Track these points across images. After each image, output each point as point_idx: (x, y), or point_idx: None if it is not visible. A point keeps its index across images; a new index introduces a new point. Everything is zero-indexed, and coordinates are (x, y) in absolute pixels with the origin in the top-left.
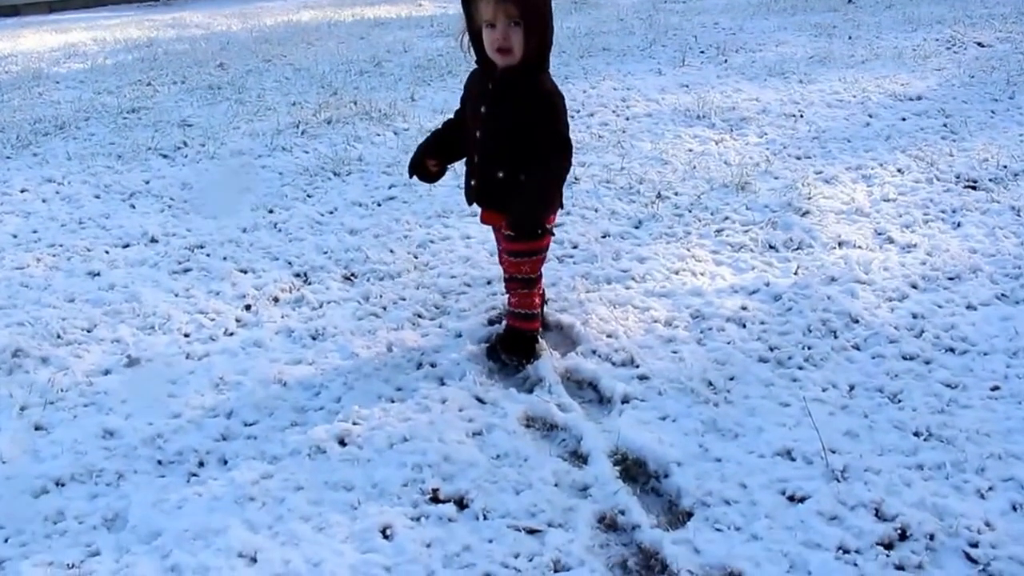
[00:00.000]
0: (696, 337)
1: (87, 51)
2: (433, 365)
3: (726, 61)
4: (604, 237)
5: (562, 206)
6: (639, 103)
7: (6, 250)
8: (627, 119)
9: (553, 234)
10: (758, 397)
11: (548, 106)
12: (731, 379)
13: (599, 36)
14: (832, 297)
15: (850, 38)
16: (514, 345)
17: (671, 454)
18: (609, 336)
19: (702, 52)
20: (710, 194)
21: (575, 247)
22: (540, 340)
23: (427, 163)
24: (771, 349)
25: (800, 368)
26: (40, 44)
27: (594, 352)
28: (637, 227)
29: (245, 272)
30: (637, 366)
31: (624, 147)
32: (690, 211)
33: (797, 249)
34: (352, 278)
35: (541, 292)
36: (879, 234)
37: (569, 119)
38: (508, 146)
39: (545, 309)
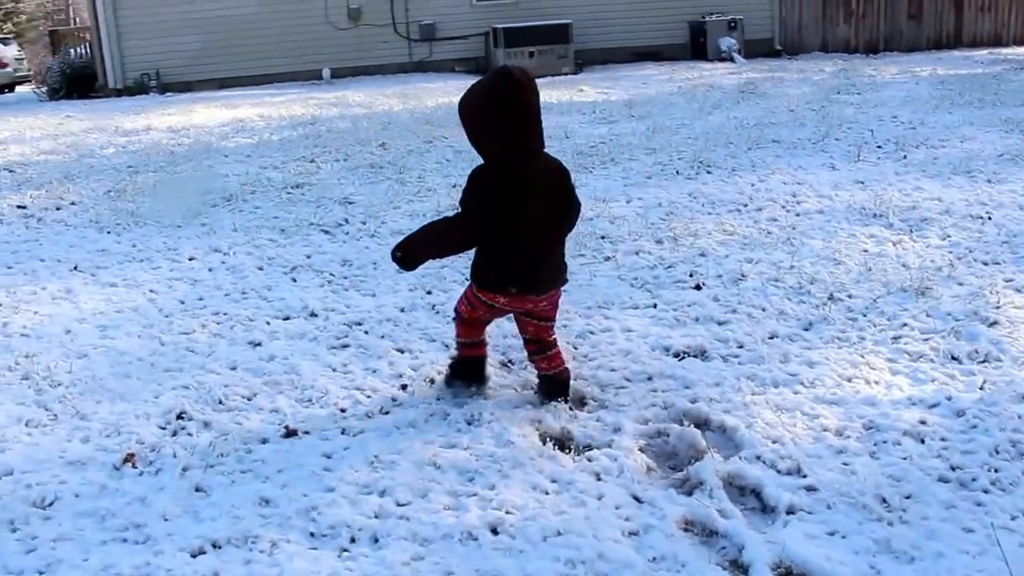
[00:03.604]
0: (869, 449)
1: (254, 127)
2: (590, 460)
3: (905, 157)
4: (771, 338)
5: (500, 290)
6: (810, 199)
7: (174, 315)
8: (797, 215)
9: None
10: (937, 519)
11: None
12: (907, 497)
13: (768, 127)
14: (1023, 417)
15: None
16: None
17: (840, 573)
18: (775, 442)
19: (879, 147)
20: (887, 298)
21: (740, 347)
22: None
23: None
24: (953, 468)
25: (985, 492)
26: (210, 119)
27: (758, 458)
28: (807, 329)
29: (402, 352)
30: (804, 476)
31: (794, 244)
32: (864, 315)
33: (983, 362)
34: (509, 364)
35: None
36: None
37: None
38: None
39: (707, 408)
